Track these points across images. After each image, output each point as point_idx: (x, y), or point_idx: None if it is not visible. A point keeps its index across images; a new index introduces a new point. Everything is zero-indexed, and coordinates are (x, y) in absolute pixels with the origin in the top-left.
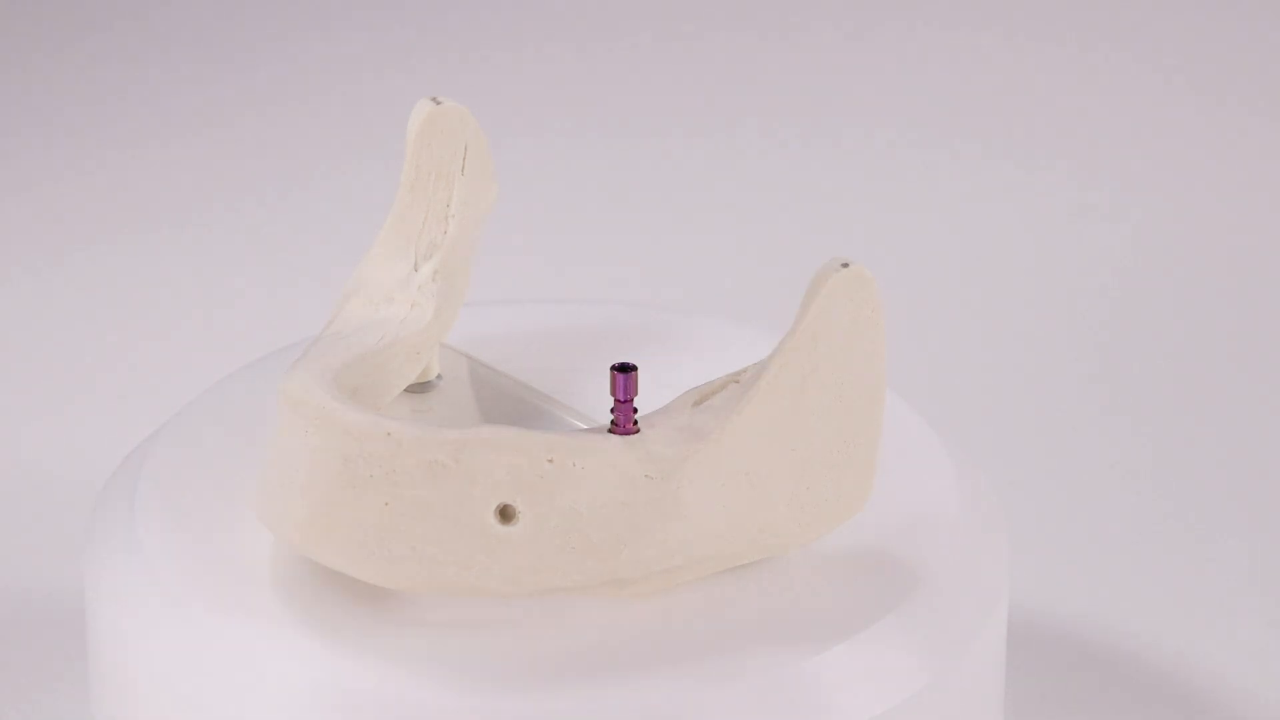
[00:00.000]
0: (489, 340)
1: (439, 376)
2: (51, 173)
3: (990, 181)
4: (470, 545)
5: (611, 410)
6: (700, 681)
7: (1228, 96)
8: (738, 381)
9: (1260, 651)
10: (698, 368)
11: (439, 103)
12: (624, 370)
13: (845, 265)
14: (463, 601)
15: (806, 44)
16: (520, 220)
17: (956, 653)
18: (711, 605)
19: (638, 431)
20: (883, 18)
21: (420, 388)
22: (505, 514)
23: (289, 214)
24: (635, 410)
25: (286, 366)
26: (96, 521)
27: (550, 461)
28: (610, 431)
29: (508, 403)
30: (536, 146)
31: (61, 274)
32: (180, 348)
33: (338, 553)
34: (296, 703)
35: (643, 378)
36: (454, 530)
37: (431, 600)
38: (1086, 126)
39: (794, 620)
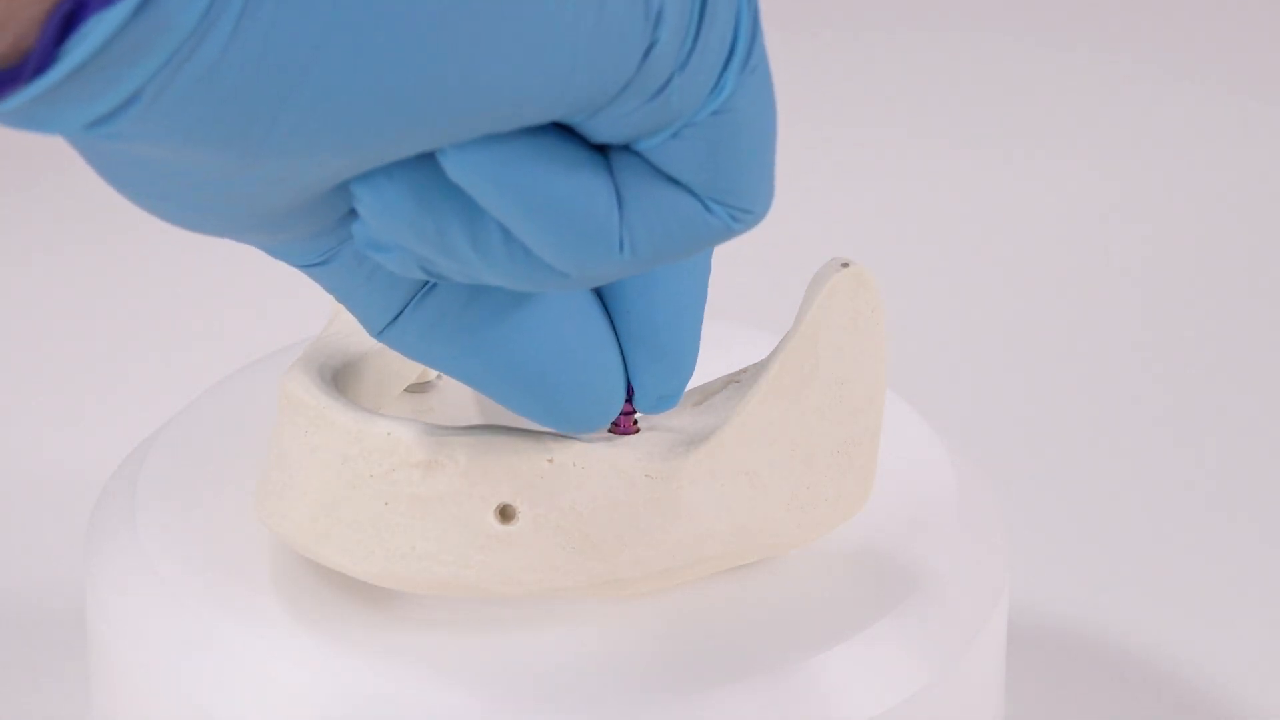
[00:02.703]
0: None
1: (439, 376)
2: (51, 170)
3: (991, 181)
4: (470, 545)
5: None
6: (700, 681)
7: (1229, 96)
8: (738, 381)
9: (1260, 651)
10: (698, 368)
11: None
12: None
13: (845, 265)
14: (463, 601)
15: (806, 43)
16: None
17: (956, 653)
18: (711, 605)
19: (637, 431)
20: (883, 17)
21: (420, 388)
22: (505, 514)
23: None
24: (635, 410)
25: (286, 366)
26: (96, 521)
27: (550, 461)
28: (610, 431)
29: None
30: None
31: (61, 273)
32: (180, 348)
33: (338, 552)
34: (296, 702)
35: None
36: (453, 530)
37: (431, 600)
38: (1088, 126)
39: (794, 620)
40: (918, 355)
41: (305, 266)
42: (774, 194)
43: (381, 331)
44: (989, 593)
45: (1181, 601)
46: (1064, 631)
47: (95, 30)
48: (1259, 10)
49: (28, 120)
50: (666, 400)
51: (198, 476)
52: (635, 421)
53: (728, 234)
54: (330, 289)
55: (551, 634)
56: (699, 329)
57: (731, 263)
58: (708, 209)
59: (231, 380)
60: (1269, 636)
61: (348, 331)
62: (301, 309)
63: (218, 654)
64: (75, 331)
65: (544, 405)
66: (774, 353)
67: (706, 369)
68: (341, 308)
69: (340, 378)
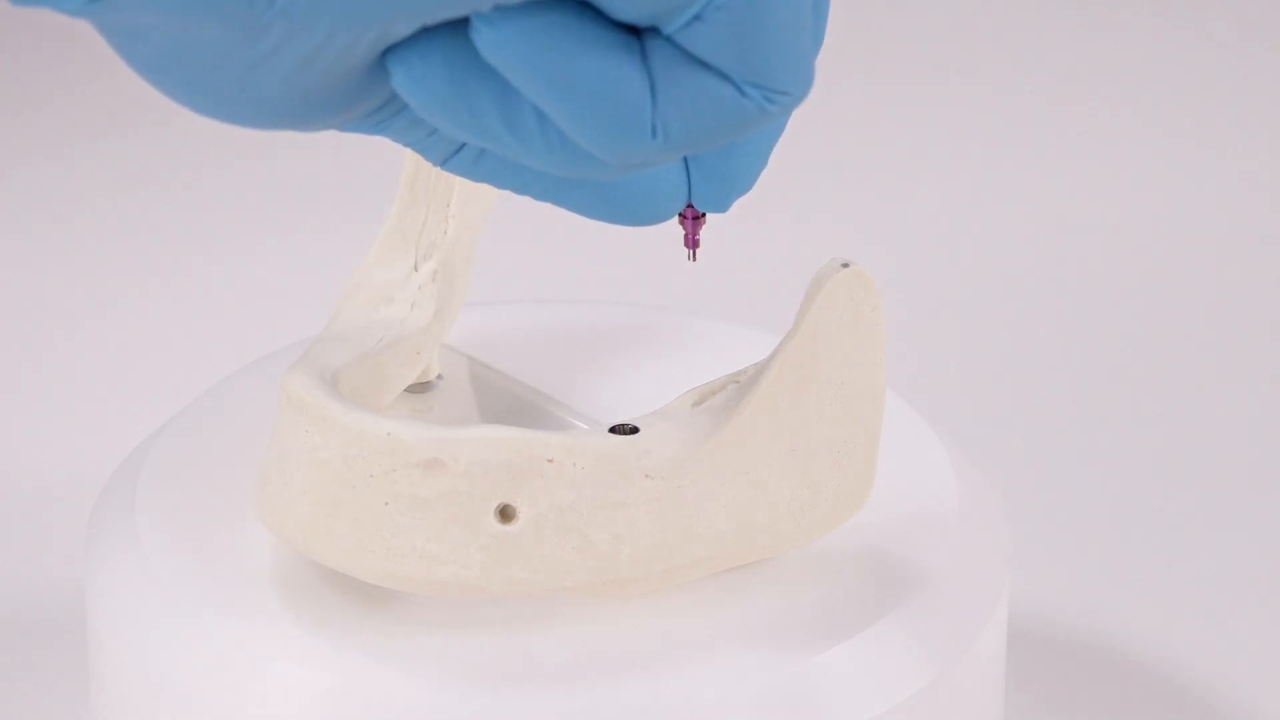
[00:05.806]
0: (489, 340)
1: (439, 376)
2: (51, 170)
3: (992, 181)
4: (470, 545)
5: (683, 222)
6: (700, 681)
7: (1226, 95)
8: (738, 381)
9: (1260, 651)
10: (698, 368)
11: None
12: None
13: (845, 265)
14: (463, 601)
15: None
16: (520, 219)
17: (956, 653)
18: (711, 605)
19: (638, 431)
20: (882, 19)
21: (420, 388)
22: (505, 514)
23: (289, 213)
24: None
25: (286, 366)
26: (96, 521)
27: (550, 461)
28: (611, 431)
29: (508, 402)
30: None
31: (61, 273)
32: (180, 348)
33: (338, 552)
34: (297, 703)
35: (643, 378)
36: (454, 530)
37: (431, 600)
38: (1086, 124)
39: (794, 620)
40: (918, 355)
41: (359, 132)
42: (813, 75)
43: (445, 162)
44: (989, 593)
45: (1181, 601)
46: (1064, 631)
47: None
48: (1260, 12)
49: None
50: (717, 206)
51: (198, 476)
52: (701, 216)
53: (763, 117)
54: (393, 140)
55: (551, 634)
56: (766, 161)
57: (731, 263)
58: (742, 93)
59: (231, 380)
60: (1269, 636)
61: (348, 332)
62: (302, 309)
63: (218, 654)
64: (75, 331)
65: (604, 195)
66: (774, 353)
67: (706, 369)
68: (342, 307)
69: (340, 378)
